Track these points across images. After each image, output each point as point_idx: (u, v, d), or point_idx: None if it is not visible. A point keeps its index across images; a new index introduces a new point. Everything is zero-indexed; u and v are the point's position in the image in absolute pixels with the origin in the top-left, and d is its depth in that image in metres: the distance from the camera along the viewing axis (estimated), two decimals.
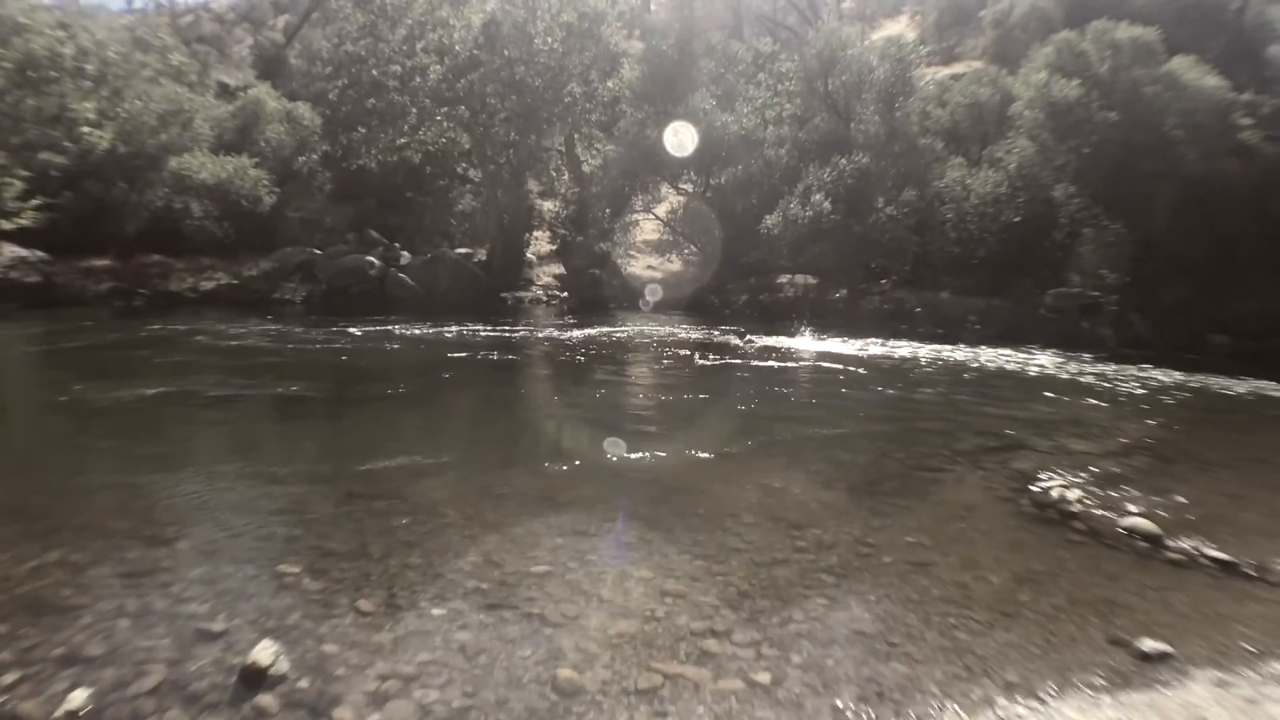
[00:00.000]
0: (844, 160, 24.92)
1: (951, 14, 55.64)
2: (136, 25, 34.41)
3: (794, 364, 15.89)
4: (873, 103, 26.95)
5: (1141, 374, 15.59)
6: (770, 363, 15.97)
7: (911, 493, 8.13)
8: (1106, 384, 14.59)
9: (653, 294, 28.47)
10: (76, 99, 26.58)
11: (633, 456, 8.90)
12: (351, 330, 19.51)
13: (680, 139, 29.35)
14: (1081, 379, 15.07)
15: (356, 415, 11.47)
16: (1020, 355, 17.60)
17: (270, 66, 51.61)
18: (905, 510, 7.53)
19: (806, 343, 18.91)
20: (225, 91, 43.53)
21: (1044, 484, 8.18)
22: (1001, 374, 15.59)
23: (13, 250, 26.24)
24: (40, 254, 26.75)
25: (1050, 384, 14.65)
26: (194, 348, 16.63)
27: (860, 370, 15.37)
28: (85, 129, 27.39)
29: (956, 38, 50.66)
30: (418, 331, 19.47)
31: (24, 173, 26.61)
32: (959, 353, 17.77)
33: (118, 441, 9.44)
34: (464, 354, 16.57)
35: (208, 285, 28.98)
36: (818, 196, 24.20)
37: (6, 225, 26.19)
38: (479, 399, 13.13)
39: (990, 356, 17.38)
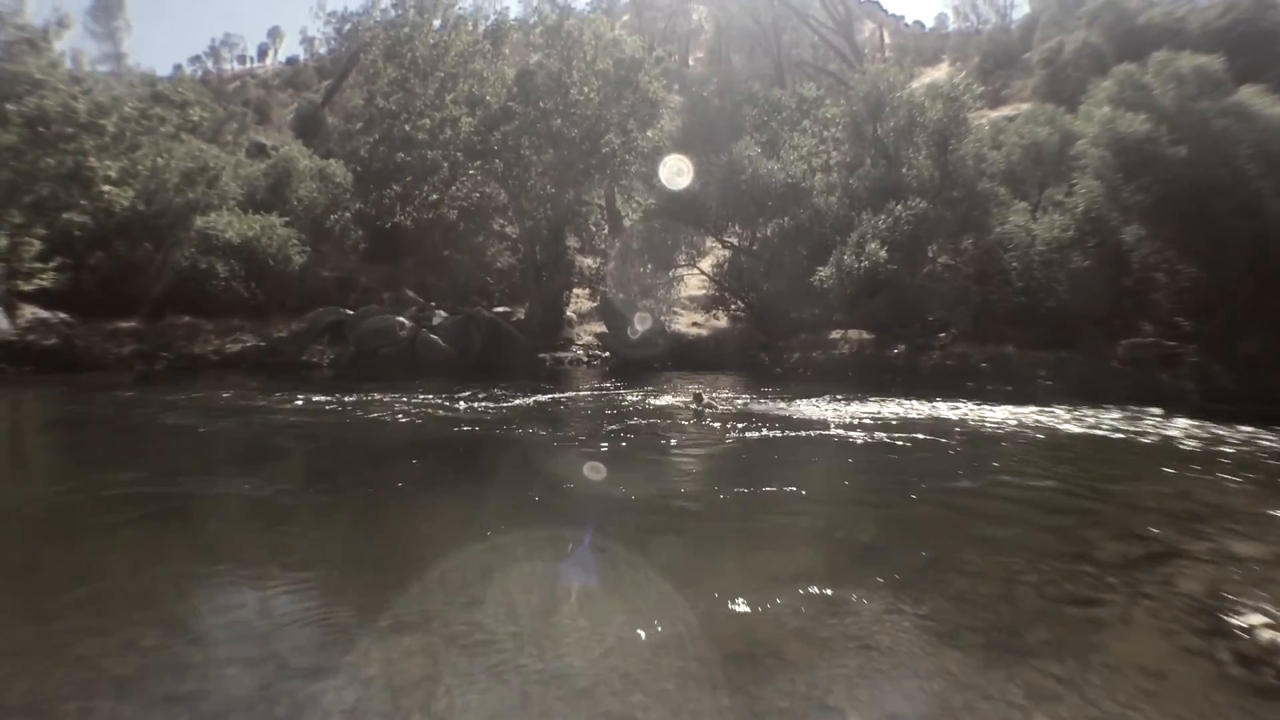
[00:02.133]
0: (899, 206, 23.37)
1: (994, 57, 54.95)
2: (158, 82, 33.77)
3: (860, 435, 13.79)
4: (925, 146, 25.57)
5: (1248, 435, 13.70)
6: (831, 432, 14.08)
7: (1070, 648, 5.83)
8: (1217, 449, 12.63)
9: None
10: (94, 156, 25.74)
11: (674, 596, 6.81)
12: (364, 400, 18.12)
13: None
14: (1186, 444, 13.13)
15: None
16: (1106, 416, 15.64)
17: (307, 126, 51.90)
18: (1073, 684, 5.31)
19: (868, 407, 16.82)
20: (261, 151, 43.45)
21: (1234, 618, 6.10)
22: (1095, 441, 13.57)
23: (34, 311, 25.59)
24: (63, 315, 26.22)
25: (1155, 453, 12.62)
26: (194, 429, 15.29)
27: (936, 440, 13.33)
28: (105, 187, 26.61)
29: (1002, 80, 49.79)
30: (432, 401, 18.01)
31: (42, 232, 25.90)
32: (1037, 415, 15.66)
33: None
34: (475, 430, 14.93)
35: (233, 348, 28.18)
36: (873, 245, 22.56)
37: (25, 286, 25.52)
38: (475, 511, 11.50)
39: (1073, 419, 15.37)
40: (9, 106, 24.44)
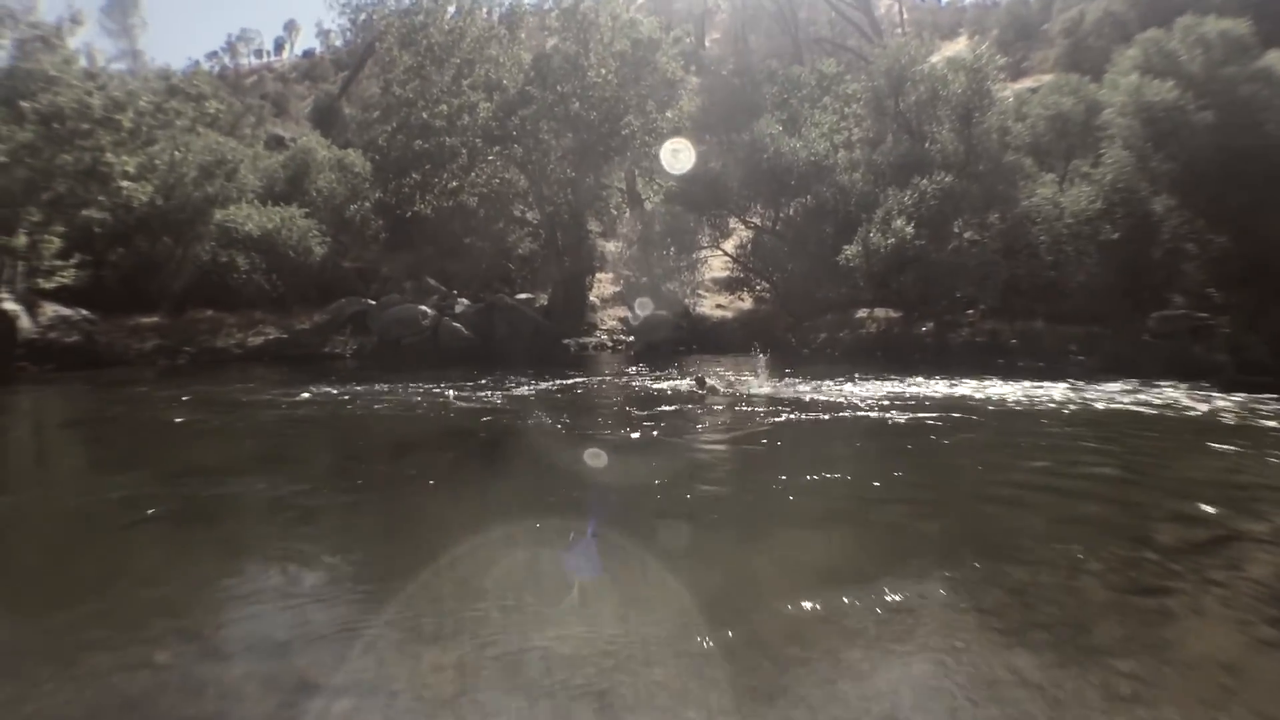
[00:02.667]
0: (925, 181, 22.92)
1: (1014, 29, 54.24)
2: (173, 75, 33.58)
3: (893, 416, 13.31)
4: (948, 119, 25.11)
5: None
6: (862, 413, 13.61)
7: (1143, 644, 5.40)
8: (1259, 424, 12.19)
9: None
10: (111, 152, 25.59)
11: (723, 595, 6.54)
12: (386, 391, 17.86)
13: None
14: (1225, 418, 12.69)
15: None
16: (1142, 391, 15.14)
17: (325, 118, 51.81)
18: (1151, 684, 4.87)
19: (898, 387, 16.36)
20: (280, 143, 43.32)
21: None
22: (1133, 416, 13.13)
23: (55, 309, 25.59)
24: (84, 313, 26.25)
25: (1197, 427, 12.25)
26: (215, 425, 15.09)
27: (971, 419, 12.92)
28: (123, 183, 26.47)
29: (1022, 52, 49.12)
30: (456, 390, 17.72)
31: (61, 230, 25.82)
32: (1071, 391, 15.22)
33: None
34: (500, 420, 14.57)
35: (255, 341, 28.11)
36: (899, 221, 22.12)
37: (45, 284, 25.51)
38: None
39: (1109, 394, 14.94)
40: (24, 104, 24.28)
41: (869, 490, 9.03)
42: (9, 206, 24.74)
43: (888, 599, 5.93)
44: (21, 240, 25.25)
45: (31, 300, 25.59)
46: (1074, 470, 9.71)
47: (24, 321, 24.54)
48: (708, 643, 5.37)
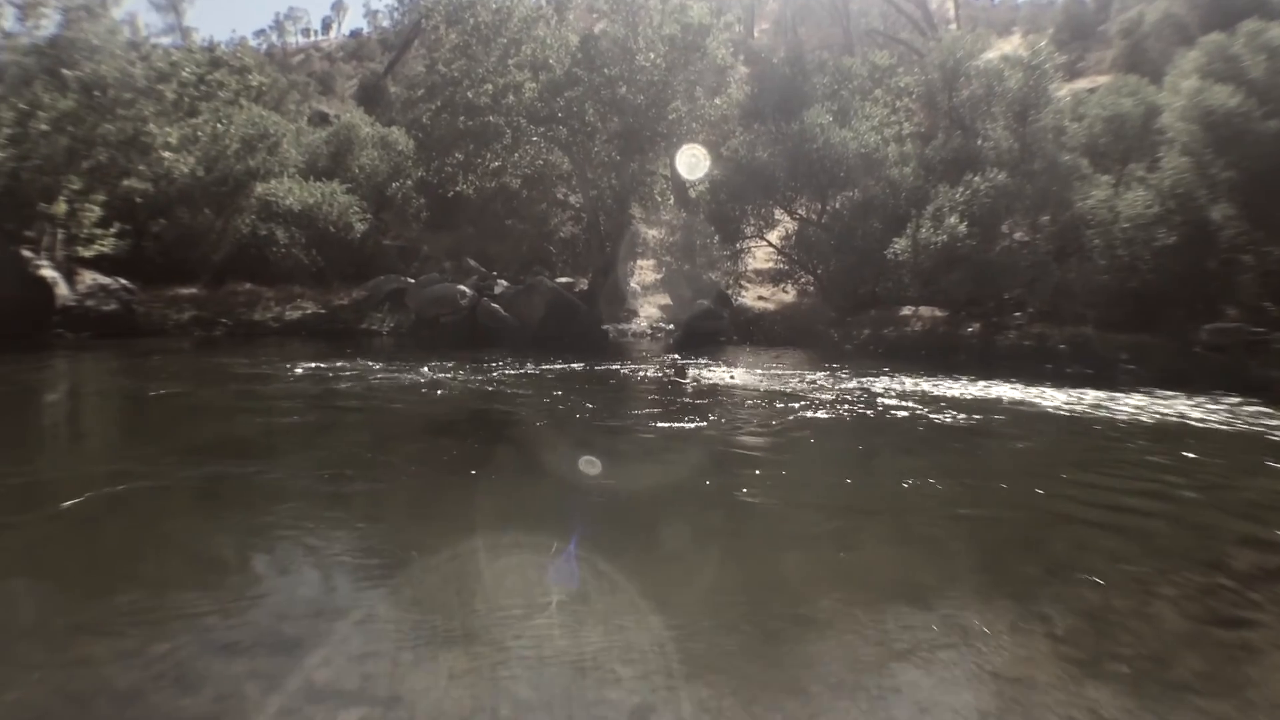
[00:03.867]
0: (978, 178, 22.43)
1: (1070, 29, 53.34)
2: (217, 47, 33.55)
3: (940, 419, 12.96)
4: (1002, 116, 24.59)
5: None
6: (906, 415, 13.25)
7: (1227, 681, 4.98)
8: None
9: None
10: (153, 122, 25.56)
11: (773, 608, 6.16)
12: (420, 370, 17.69)
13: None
14: None
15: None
16: (1196, 404, 14.48)
17: (370, 96, 51.89)
18: None
19: (944, 388, 15.92)
20: (323, 120, 43.38)
21: None
22: (1189, 430, 12.50)
23: (94, 277, 25.66)
24: (123, 282, 26.28)
25: (1256, 445, 11.68)
26: (244, 398, 14.98)
27: (1022, 427, 12.61)
28: (165, 154, 26.43)
29: (1078, 52, 48.30)
30: (492, 373, 17.55)
31: (101, 198, 25.84)
32: (1124, 402, 14.64)
33: None
34: (532, 407, 14.34)
35: (293, 315, 28.09)
36: (951, 219, 21.67)
37: (85, 252, 25.59)
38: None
39: (1161, 406, 14.34)
40: (66, 73, 24.28)
41: (920, 498, 8.65)
42: (50, 174, 24.86)
43: (949, 619, 5.58)
44: (61, 208, 25.39)
45: (70, 268, 25.66)
46: (1135, 485, 9.24)
47: (62, 288, 24.58)
48: (755, 655, 5.09)
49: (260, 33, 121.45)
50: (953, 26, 56.44)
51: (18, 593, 6.11)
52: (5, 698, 4.43)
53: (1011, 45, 46.15)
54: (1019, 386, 15.88)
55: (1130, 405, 14.30)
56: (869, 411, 13.27)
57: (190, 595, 5.82)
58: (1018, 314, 23.08)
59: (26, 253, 24.35)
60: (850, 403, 13.95)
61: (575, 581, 6.22)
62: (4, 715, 4.26)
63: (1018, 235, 23.41)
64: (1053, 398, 14.86)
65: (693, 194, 31.64)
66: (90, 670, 4.75)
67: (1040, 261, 21.92)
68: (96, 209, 26.61)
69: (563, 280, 30.65)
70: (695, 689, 4.59)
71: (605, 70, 28.06)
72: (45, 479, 9.43)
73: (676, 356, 17.23)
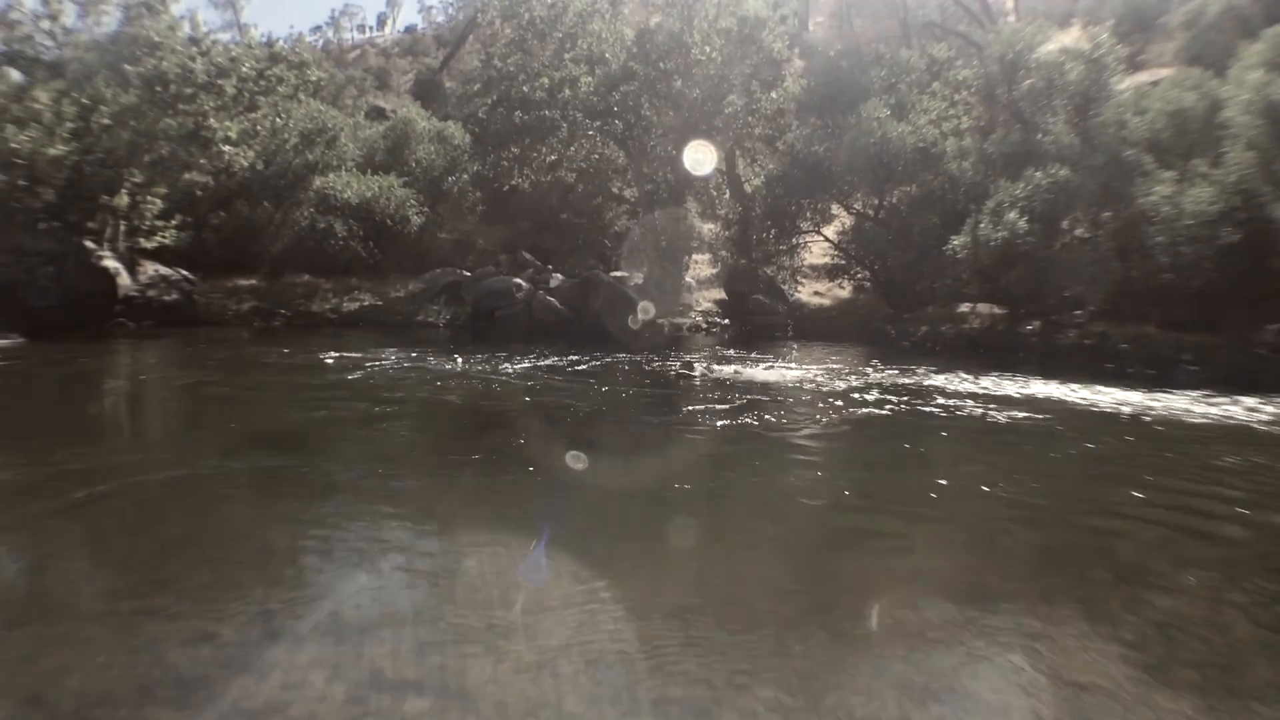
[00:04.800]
0: (1038, 174, 22.12)
1: (1130, 20, 52.35)
2: (276, 43, 33.86)
3: (998, 418, 12.80)
4: (1063, 110, 24.20)
5: None
6: (965, 414, 13.04)
7: None
8: None
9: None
10: (214, 116, 25.92)
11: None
12: (479, 362, 17.77)
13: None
14: None
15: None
16: (1264, 407, 13.97)
17: (426, 90, 52.11)
18: None
19: (1006, 386, 15.60)
20: (380, 115, 43.75)
21: None
22: (1255, 435, 12.07)
23: (156, 268, 26.25)
24: (184, 273, 26.84)
25: None
26: (302, 388, 15.12)
27: (1086, 428, 12.27)
28: (225, 147, 26.80)
29: (1139, 44, 47.49)
30: (546, 366, 17.58)
31: (163, 191, 26.32)
32: (1185, 402, 14.19)
33: None
34: (584, 400, 14.48)
35: (350, 307, 28.45)
36: (1012, 215, 21.39)
37: (146, 244, 26.09)
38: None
39: (1227, 407, 13.90)
40: (128, 68, 24.64)
41: (980, 498, 8.46)
42: (112, 167, 25.26)
43: (1016, 622, 5.50)
44: (124, 200, 25.83)
45: (132, 259, 26.16)
46: (1201, 489, 8.95)
47: (124, 279, 25.02)
48: (821, 654, 5.05)
49: (316, 29, 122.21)
50: (1011, 18, 55.70)
51: (82, 576, 6.15)
52: (70, 682, 4.44)
53: (1071, 37, 45.55)
54: (1079, 386, 15.54)
55: (1193, 407, 13.97)
56: (927, 410, 13.11)
57: (251, 583, 5.86)
58: (1078, 312, 22.69)
59: (90, 244, 24.76)
60: (907, 401, 13.79)
61: (634, 577, 6.20)
62: (71, 700, 4.25)
63: (1078, 232, 23.01)
64: (1114, 398, 14.51)
65: (748, 188, 31.55)
66: (156, 655, 4.75)
67: (1101, 259, 21.53)
68: (158, 201, 27.04)
69: (618, 274, 30.66)
70: (761, 688, 4.52)
71: (661, 64, 28.04)
72: (105, 464, 9.53)
73: (731, 351, 17.18)
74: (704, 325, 28.61)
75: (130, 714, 4.15)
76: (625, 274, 31.00)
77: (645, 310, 25.35)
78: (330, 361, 17.51)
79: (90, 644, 4.89)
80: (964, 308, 25.05)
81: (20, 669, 4.62)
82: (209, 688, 4.38)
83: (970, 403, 13.67)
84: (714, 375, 16.77)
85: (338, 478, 8.92)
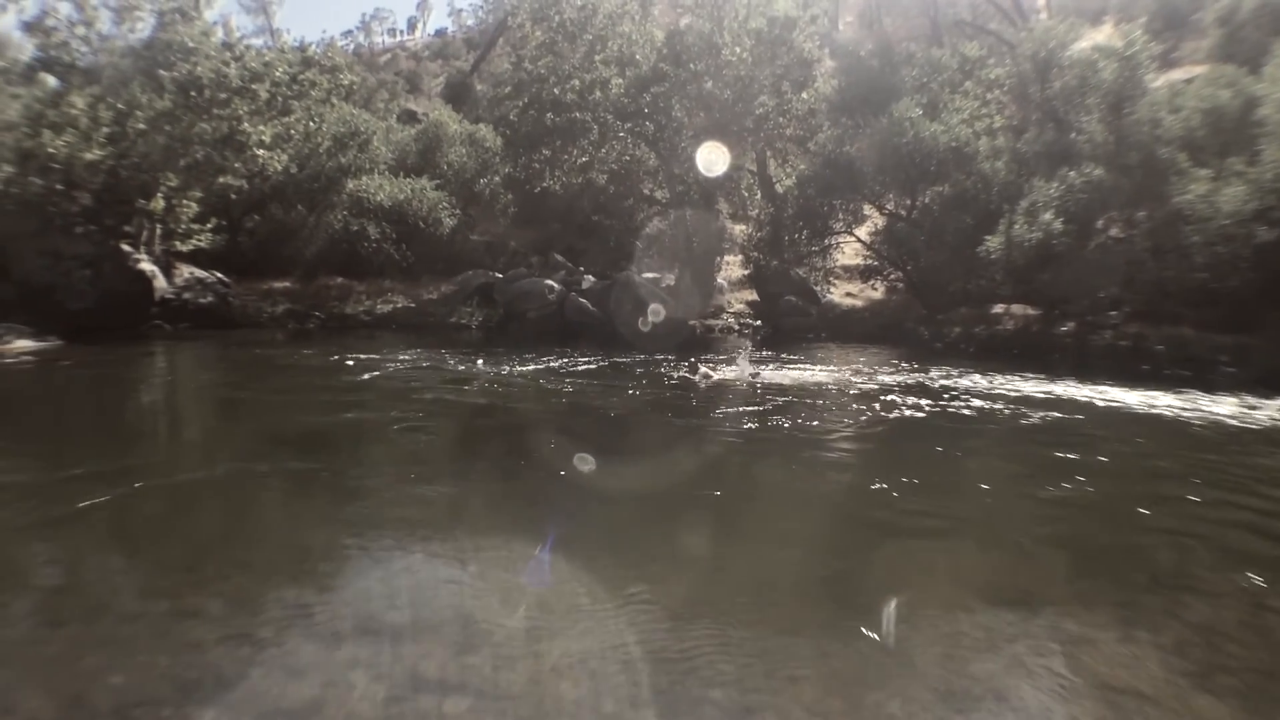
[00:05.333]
0: (1073, 173, 21.95)
1: (1163, 17, 51.84)
2: (309, 47, 34.09)
3: (1038, 418, 12.57)
4: (1096, 109, 23.98)
5: None
6: (1000, 415, 12.96)
7: None
8: None
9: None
10: (248, 121, 26.18)
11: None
12: (509, 364, 17.90)
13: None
14: None
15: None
16: None
17: (457, 93, 52.43)
18: None
19: (1041, 387, 15.44)
20: (412, 118, 44.01)
21: None
22: None
23: (191, 271, 26.66)
24: (219, 275, 27.29)
25: None
26: (337, 388, 15.28)
27: (1123, 429, 12.24)
28: (259, 151, 27.07)
29: (1172, 41, 47.04)
30: (578, 368, 17.62)
31: (198, 195, 26.70)
32: (1222, 405, 13.90)
33: None
34: (620, 400, 14.58)
35: (384, 309, 28.73)
36: (1047, 215, 21.22)
37: (182, 247, 26.50)
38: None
39: (1262, 411, 13.38)
40: (163, 73, 24.95)
41: (1016, 500, 8.48)
42: (148, 171, 25.62)
43: (1055, 625, 5.48)
44: (159, 204, 26.21)
45: (168, 262, 26.60)
46: (1239, 493, 8.80)
47: (160, 281, 25.50)
48: (859, 655, 5.05)
49: (348, 33, 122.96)
50: (1043, 16, 55.29)
51: (119, 576, 6.25)
52: (112, 681, 4.51)
53: (1103, 35, 45.18)
54: (1114, 388, 15.36)
55: (1230, 409, 13.79)
56: (960, 411, 13.04)
57: (287, 584, 5.93)
58: (1113, 313, 22.49)
59: (126, 247, 25.21)
60: (941, 402, 13.72)
61: (669, 579, 6.22)
62: (113, 699, 4.31)
63: (1113, 232, 22.81)
64: (1149, 400, 14.33)
65: (780, 189, 31.48)
66: (197, 655, 4.81)
67: (1136, 259, 21.33)
68: (193, 205, 27.47)
69: (649, 275, 30.64)
70: (800, 689, 4.54)
71: (691, 65, 28.00)
72: (139, 465, 9.69)
73: (762, 353, 17.17)
74: (736, 326, 28.55)
75: (172, 713, 4.21)
76: (656, 275, 31.00)
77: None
78: (360, 364, 17.66)
79: (130, 643, 4.97)
80: (997, 309, 24.87)
81: (62, 668, 4.69)
82: (249, 687, 4.45)
83: (1004, 404, 13.60)
84: (745, 377, 16.74)
85: (371, 480, 9.03)
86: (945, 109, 27.04)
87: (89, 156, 23.96)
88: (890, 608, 5.66)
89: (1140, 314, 21.45)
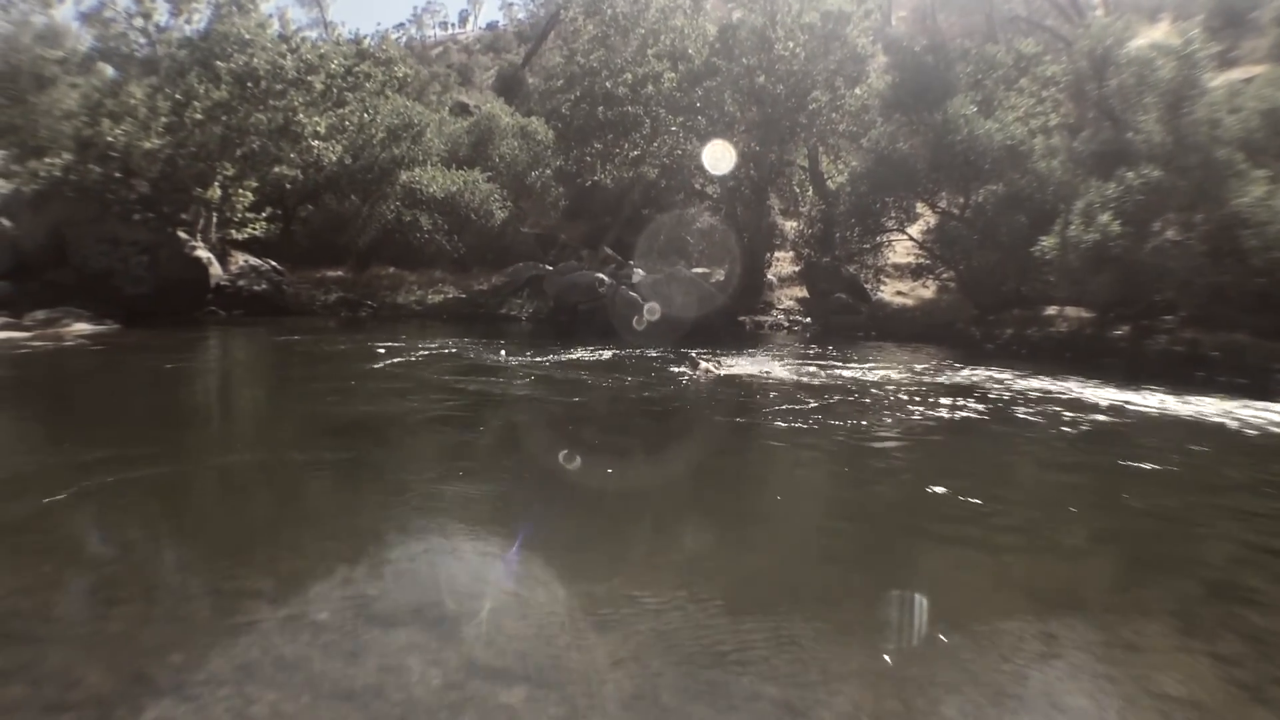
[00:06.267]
0: (1130, 173, 21.61)
1: (1221, 16, 51.01)
2: (363, 40, 34.37)
3: (1089, 424, 12.40)
4: (1154, 108, 23.62)
5: None
6: (1051, 418, 12.79)
7: None
8: None
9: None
10: (303, 112, 26.47)
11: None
12: (557, 354, 18.02)
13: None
14: None
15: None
16: None
17: (508, 86, 52.61)
18: None
19: (1094, 391, 15.14)
20: (464, 111, 44.22)
21: None
22: None
23: (246, 259, 27.15)
24: (273, 263, 27.71)
25: None
26: (388, 376, 15.41)
27: (1179, 435, 11.99)
28: (314, 142, 27.36)
29: (1230, 41, 46.30)
30: (629, 361, 17.63)
31: (253, 184, 27.13)
32: (1277, 413, 13.53)
33: None
34: (671, 395, 14.57)
35: (435, 299, 28.96)
36: (1104, 216, 20.93)
37: (237, 235, 26.94)
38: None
39: None
40: (220, 64, 25.27)
41: (1067, 506, 8.29)
42: (204, 161, 25.97)
43: (1111, 633, 5.43)
44: (215, 193, 26.62)
45: (223, 250, 27.15)
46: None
47: (215, 268, 25.92)
48: (912, 656, 5.03)
49: (400, 26, 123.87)
50: (1098, 12, 54.64)
51: (175, 556, 6.36)
52: (172, 658, 4.57)
53: (1160, 33, 44.55)
54: (1168, 394, 15.00)
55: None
56: (1012, 414, 12.90)
57: (343, 569, 5.96)
58: (1168, 318, 22.16)
59: (183, 235, 25.58)
60: (992, 405, 13.56)
61: (722, 575, 6.22)
62: (173, 677, 4.37)
63: (1169, 234, 22.47)
64: (1204, 408, 13.99)
65: (831, 185, 31.36)
66: (255, 635, 4.86)
67: (1193, 263, 20.94)
68: (249, 194, 27.90)
69: (699, 270, 30.63)
70: (852, 688, 4.52)
71: (744, 60, 27.96)
72: (191, 447, 9.87)
73: (811, 350, 17.07)
74: (785, 323, 28.47)
75: (232, 692, 4.25)
76: (706, 270, 30.98)
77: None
78: (409, 352, 17.82)
79: (189, 622, 5.05)
80: (1050, 310, 24.57)
81: (123, 645, 4.75)
82: (308, 669, 4.49)
83: (1057, 409, 13.41)
84: (792, 374, 16.70)
85: (421, 470, 9.08)
86: (1000, 106, 26.76)
87: (147, 145, 24.34)
88: (943, 611, 5.67)
89: (1196, 319, 21.09)
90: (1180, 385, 16.10)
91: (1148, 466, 10.05)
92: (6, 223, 24.78)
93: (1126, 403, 14.20)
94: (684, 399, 13.91)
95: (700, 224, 34.67)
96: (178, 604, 5.36)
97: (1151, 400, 14.44)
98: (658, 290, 26.80)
